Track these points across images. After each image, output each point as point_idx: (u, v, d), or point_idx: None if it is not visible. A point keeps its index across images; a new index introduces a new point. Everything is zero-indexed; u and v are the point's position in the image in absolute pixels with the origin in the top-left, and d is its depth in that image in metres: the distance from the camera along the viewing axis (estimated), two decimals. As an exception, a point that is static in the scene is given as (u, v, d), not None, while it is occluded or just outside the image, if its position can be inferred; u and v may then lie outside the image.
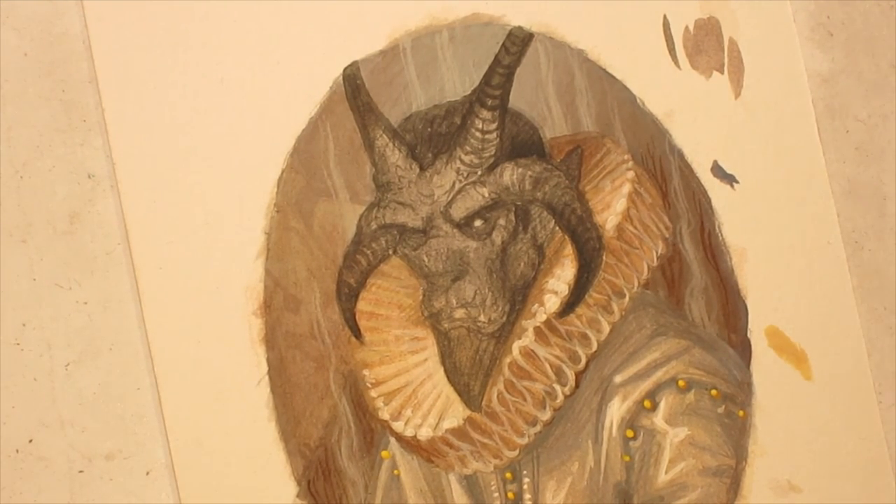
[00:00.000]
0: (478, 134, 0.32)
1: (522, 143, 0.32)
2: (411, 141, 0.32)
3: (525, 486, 0.32)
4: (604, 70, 0.32)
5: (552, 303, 0.32)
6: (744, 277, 0.33)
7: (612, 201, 0.32)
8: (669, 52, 0.32)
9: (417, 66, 0.33)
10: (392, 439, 0.32)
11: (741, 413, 0.32)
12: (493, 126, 0.32)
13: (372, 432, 0.32)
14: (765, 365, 0.32)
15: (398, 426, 0.32)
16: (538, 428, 0.32)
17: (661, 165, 0.32)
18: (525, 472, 0.32)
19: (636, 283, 0.32)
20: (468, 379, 0.32)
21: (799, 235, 0.34)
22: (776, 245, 0.34)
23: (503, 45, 0.32)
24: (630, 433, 0.32)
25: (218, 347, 0.32)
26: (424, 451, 0.32)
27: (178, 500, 0.31)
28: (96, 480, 0.32)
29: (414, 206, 0.32)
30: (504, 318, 0.32)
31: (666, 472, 0.31)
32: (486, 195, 0.32)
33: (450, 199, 0.32)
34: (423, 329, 0.32)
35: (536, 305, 0.32)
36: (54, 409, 0.32)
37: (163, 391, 0.32)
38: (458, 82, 0.32)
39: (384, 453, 0.32)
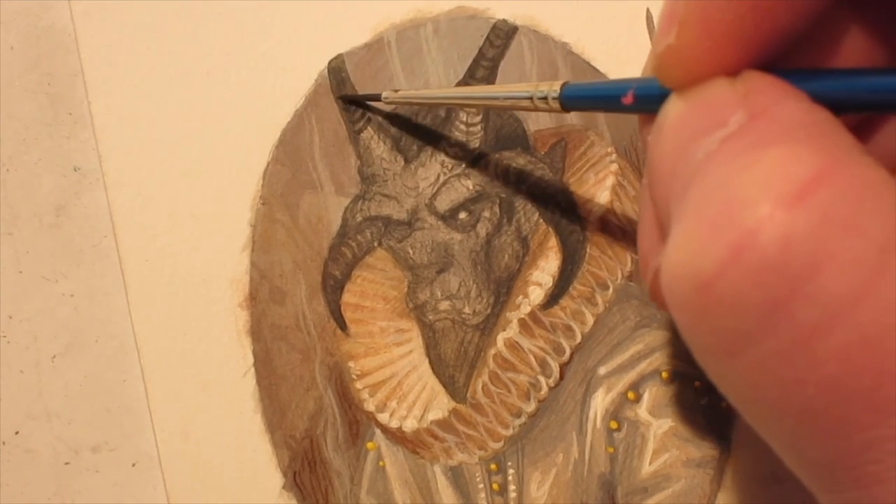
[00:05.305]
0: (462, 126, 0.32)
1: (506, 135, 0.32)
2: (396, 133, 0.32)
3: (510, 478, 0.32)
4: (587, 63, 0.32)
5: (536, 295, 0.32)
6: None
7: (596, 193, 0.32)
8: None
9: (402, 58, 0.33)
10: (377, 431, 0.32)
11: (724, 404, 0.32)
12: (478, 119, 0.32)
13: (357, 424, 0.32)
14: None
15: (383, 417, 0.32)
16: (523, 419, 0.32)
17: (644, 158, 0.32)
18: (510, 463, 0.32)
19: (620, 275, 0.32)
20: (453, 371, 0.32)
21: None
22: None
23: (487, 37, 0.32)
24: (614, 424, 0.32)
25: (204, 339, 0.32)
26: (410, 442, 0.32)
27: (164, 492, 0.32)
28: (83, 472, 0.32)
29: (399, 198, 0.32)
30: (489, 310, 0.32)
31: (650, 464, 0.31)
32: (471, 187, 0.32)
33: (434, 191, 0.32)
34: (408, 321, 0.32)
35: (521, 297, 0.32)
36: (41, 401, 0.32)
37: (149, 383, 0.32)
38: (442, 75, 0.32)
39: (370, 444, 0.32)
